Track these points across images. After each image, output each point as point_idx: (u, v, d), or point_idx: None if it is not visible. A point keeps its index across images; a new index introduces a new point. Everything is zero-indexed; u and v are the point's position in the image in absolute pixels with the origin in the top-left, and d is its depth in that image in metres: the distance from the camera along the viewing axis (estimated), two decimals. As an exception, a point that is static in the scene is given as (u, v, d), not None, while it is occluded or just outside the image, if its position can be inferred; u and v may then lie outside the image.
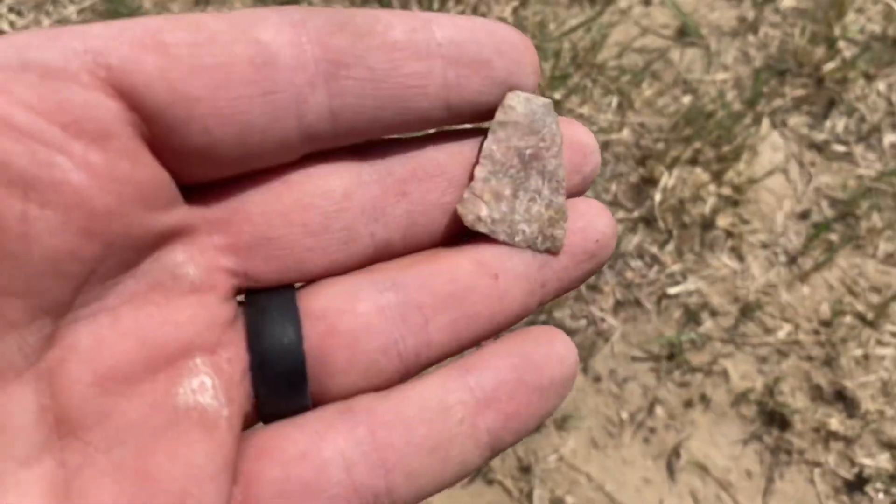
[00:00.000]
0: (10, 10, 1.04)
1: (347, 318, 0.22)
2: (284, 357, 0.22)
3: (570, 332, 0.94)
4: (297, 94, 0.20)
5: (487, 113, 0.23)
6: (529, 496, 0.87)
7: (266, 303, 0.22)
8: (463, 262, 0.23)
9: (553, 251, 0.24)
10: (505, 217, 0.24)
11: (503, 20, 1.11)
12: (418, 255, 0.24)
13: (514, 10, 1.12)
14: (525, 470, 0.88)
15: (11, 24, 1.03)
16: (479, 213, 0.23)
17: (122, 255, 0.20)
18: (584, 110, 1.06)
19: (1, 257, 0.18)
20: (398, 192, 0.23)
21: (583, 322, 0.95)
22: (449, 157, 0.24)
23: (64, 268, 0.19)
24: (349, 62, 0.21)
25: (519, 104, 0.23)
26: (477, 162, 0.24)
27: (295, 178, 0.22)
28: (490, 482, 0.87)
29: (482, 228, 0.23)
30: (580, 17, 1.12)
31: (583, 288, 0.97)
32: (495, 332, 0.24)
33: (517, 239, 0.24)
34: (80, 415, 0.20)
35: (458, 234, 0.24)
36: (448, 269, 0.23)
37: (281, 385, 0.22)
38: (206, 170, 0.21)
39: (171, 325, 0.21)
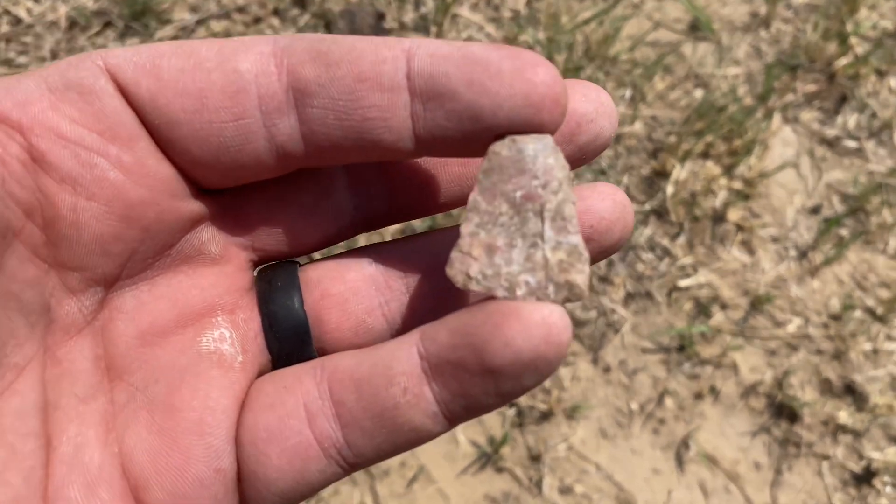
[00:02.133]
0: (28, -4, 1.05)
1: (337, 284, 0.26)
2: (289, 317, 0.26)
3: (581, 323, 0.95)
4: (266, 120, 0.22)
5: (463, 148, 0.22)
6: (539, 484, 0.87)
7: (272, 275, 0.26)
8: (445, 240, 0.25)
9: (573, 299, 0.21)
10: (499, 271, 0.21)
11: (517, 12, 1.11)
12: (407, 237, 0.27)
13: (528, 2, 1.12)
14: (535, 458, 0.89)
15: (28, 11, 1.03)
16: (469, 271, 0.21)
17: (158, 238, 0.24)
18: (597, 103, 1.07)
19: (59, 239, 0.23)
20: (384, 182, 0.26)
21: (593, 313, 0.96)
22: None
23: (110, 248, 0.23)
24: (313, 91, 0.22)
25: (503, 148, 0.21)
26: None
27: (276, 187, 0.26)
28: (500, 470, 0.88)
29: (475, 287, 0.21)
30: (593, 10, 1.12)
31: (594, 279, 0.97)
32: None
33: (520, 293, 0.21)
34: (124, 362, 0.24)
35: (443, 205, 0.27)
36: (428, 245, 0.26)
37: (289, 340, 0.26)
38: (202, 179, 0.24)
39: (198, 290, 0.25)
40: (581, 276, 0.21)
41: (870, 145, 1.09)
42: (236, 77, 0.22)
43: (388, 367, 0.22)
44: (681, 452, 0.91)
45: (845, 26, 1.13)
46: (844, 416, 0.93)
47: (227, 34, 1.04)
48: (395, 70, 0.22)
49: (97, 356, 0.24)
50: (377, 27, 1.06)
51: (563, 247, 0.21)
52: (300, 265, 0.27)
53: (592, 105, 0.24)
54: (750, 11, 1.17)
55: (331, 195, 0.26)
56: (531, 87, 0.21)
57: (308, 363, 0.24)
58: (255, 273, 0.27)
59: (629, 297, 0.97)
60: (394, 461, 0.86)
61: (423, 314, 0.25)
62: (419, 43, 0.22)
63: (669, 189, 1.01)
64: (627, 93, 1.08)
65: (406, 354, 0.22)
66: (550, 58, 1.06)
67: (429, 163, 0.26)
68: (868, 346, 0.96)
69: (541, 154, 0.21)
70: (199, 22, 1.05)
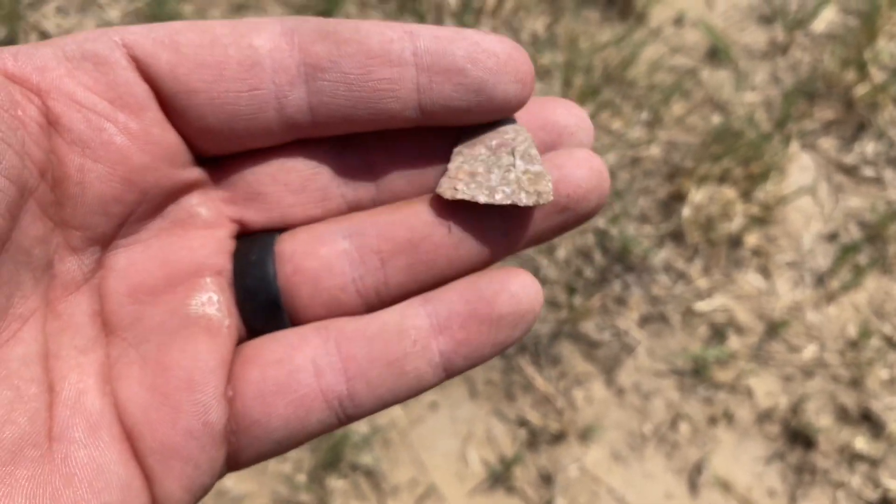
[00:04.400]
0: (58, 10, 1.07)
1: (310, 260, 0.27)
2: (261, 291, 0.27)
3: (595, 345, 0.95)
4: (278, 91, 0.25)
5: (462, 115, 0.26)
6: (550, 506, 0.87)
7: (248, 248, 0.27)
8: (422, 213, 0.27)
9: (541, 203, 0.26)
10: (482, 184, 0.26)
11: (535, 35, 1.13)
12: (384, 207, 0.28)
13: (547, 27, 1.13)
14: (546, 479, 0.88)
15: (58, 26, 1.06)
16: (455, 186, 0.26)
17: (153, 201, 0.26)
18: (615, 125, 1.07)
19: (65, 198, 0.24)
20: (370, 173, 0.28)
21: (608, 335, 0.96)
22: (420, 152, 0.28)
23: (110, 209, 0.25)
24: (325, 66, 0.25)
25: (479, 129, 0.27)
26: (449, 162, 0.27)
27: (275, 154, 0.27)
28: (511, 490, 0.87)
29: (461, 196, 0.26)
30: (611, 34, 1.13)
31: (609, 301, 0.97)
32: (457, 275, 0.27)
33: (497, 197, 0.26)
34: (118, 319, 0.26)
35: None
36: (407, 218, 0.27)
37: (262, 314, 0.27)
38: (207, 146, 0.26)
39: (187, 250, 0.27)
40: (546, 186, 0.26)
41: (888, 173, 1.09)
42: (252, 52, 0.25)
43: (399, 322, 0.26)
44: (694, 477, 0.90)
45: (863, 55, 1.13)
46: (861, 443, 0.91)
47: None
48: (402, 48, 0.25)
49: (94, 312, 0.26)
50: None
51: (531, 170, 0.26)
52: (279, 233, 0.28)
53: (574, 120, 0.27)
54: (768, 39, 1.17)
55: (318, 178, 0.27)
56: (517, 65, 0.25)
57: (306, 326, 0.26)
58: (235, 244, 0.28)
59: (644, 320, 0.97)
60: (404, 478, 0.86)
61: (398, 288, 0.27)
62: (419, 26, 0.25)
63: (686, 212, 1.01)
64: (644, 115, 1.08)
65: (415, 312, 0.26)
66: (568, 80, 1.07)
67: (415, 158, 0.28)
68: (885, 374, 0.95)
69: (509, 122, 0.27)
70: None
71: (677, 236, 1.02)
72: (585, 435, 0.90)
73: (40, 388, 0.24)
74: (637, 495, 0.88)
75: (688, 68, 1.13)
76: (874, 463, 0.92)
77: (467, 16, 1.09)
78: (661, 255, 1.01)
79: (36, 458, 0.23)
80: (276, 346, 0.26)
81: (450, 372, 0.26)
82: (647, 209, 1.03)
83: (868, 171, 1.09)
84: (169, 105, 0.25)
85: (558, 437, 0.90)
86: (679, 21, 1.17)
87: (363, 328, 0.26)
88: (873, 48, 1.14)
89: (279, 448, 0.26)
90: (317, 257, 0.27)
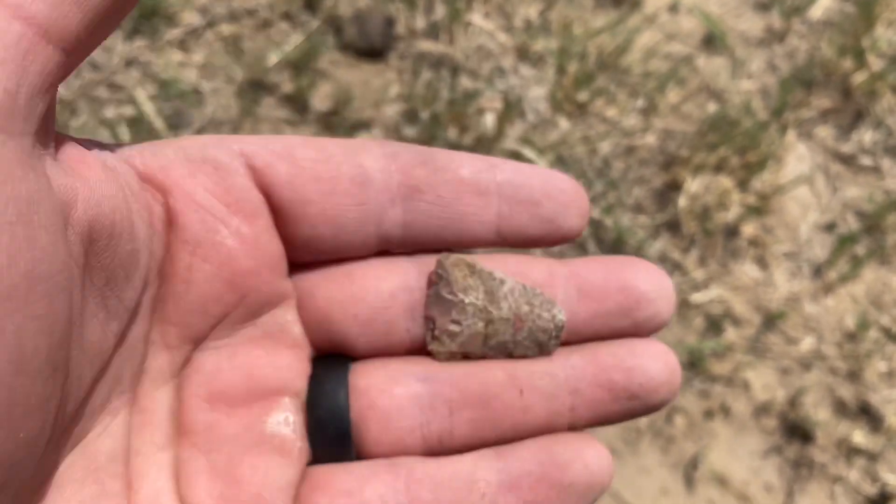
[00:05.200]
0: None
1: (385, 398, 0.27)
2: (334, 421, 0.27)
3: (589, 337, 0.93)
4: (380, 207, 0.27)
5: (535, 241, 0.28)
6: (544, 501, 0.85)
7: (324, 376, 0.27)
8: (496, 371, 0.27)
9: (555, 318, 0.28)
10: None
11: (529, 21, 1.10)
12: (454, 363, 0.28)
13: (540, 12, 1.11)
14: (540, 475, 0.87)
15: (36, 10, 1.03)
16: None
17: (250, 307, 0.26)
18: (609, 113, 1.05)
19: (169, 295, 0.25)
20: None
21: (602, 327, 0.94)
22: None
23: (209, 308, 0.25)
24: (423, 189, 0.27)
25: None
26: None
27: (357, 273, 0.28)
28: (504, 486, 0.86)
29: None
30: (606, 20, 1.11)
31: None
32: (521, 437, 0.27)
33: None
34: (192, 422, 0.26)
35: None
36: (480, 373, 0.27)
37: (331, 443, 0.27)
38: (300, 255, 0.27)
39: (272, 368, 0.27)
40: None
41: (886, 162, 1.08)
42: (362, 171, 0.27)
43: (470, 473, 0.26)
44: (690, 471, 0.88)
45: (861, 43, 1.12)
46: (859, 437, 0.90)
47: (236, 38, 1.03)
48: (489, 179, 0.27)
49: (173, 410, 0.26)
50: (387, 34, 1.05)
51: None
52: (351, 362, 0.28)
53: (654, 287, 0.28)
54: (765, 26, 1.16)
55: (387, 313, 0.28)
56: (581, 202, 0.28)
57: (377, 461, 0.27)
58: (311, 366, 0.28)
59: (639, 311, 0.96)
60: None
61: (461, 439, 0.27)
62: (502, 161, 0.28)
63: (681, 202, 0.99)
64: (639, 103, 1.06)
65: (487, 465, 0.26)
66: (562, 67, 1.05)
67: None
68: (884, 367, 0.94)
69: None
70: (208, 25, 1.04)
71: (673, 226, 1.00)
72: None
73: (122, 485, 0.24)
74: (632, 490, 0.87)
75: (683, 55, 1.11)
76: (872, 457, 0.90)
77: (459, 1, 1.06)
78: (657, 246, 0.99)
79: None
80: (347, 477, 0.26)
81: None
82: (642, 199, 1.02)
83: (866, 160, 1.07)
84: (282, 213, 0.26)
85: (552, 432, 0.89)
86: (674, 7, 1.15)
87: (433, 473, 0.26)
88: (871, 36, 1.12)
89: None
90: (391, 396, 0.27)
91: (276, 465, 0.26)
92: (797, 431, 0.91)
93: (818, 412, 0.92)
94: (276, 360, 0.27)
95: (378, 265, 0.28)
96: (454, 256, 0.28)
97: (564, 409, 0.27)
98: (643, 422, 0.90)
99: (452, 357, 0.28)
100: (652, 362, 0.27)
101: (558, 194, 0.28)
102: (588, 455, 0.26)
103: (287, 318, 0.27)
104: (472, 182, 0.27)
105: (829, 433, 0.91)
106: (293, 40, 1.04)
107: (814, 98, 1.11)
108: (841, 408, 0.93)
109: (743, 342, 0.95)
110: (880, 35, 1.14)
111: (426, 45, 1.06)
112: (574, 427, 0.27)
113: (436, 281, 0.28)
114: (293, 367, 0.27)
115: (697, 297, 0.96)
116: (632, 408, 0.27)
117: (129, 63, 1.01)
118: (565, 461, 0.26)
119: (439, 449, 0.27)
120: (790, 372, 0.94)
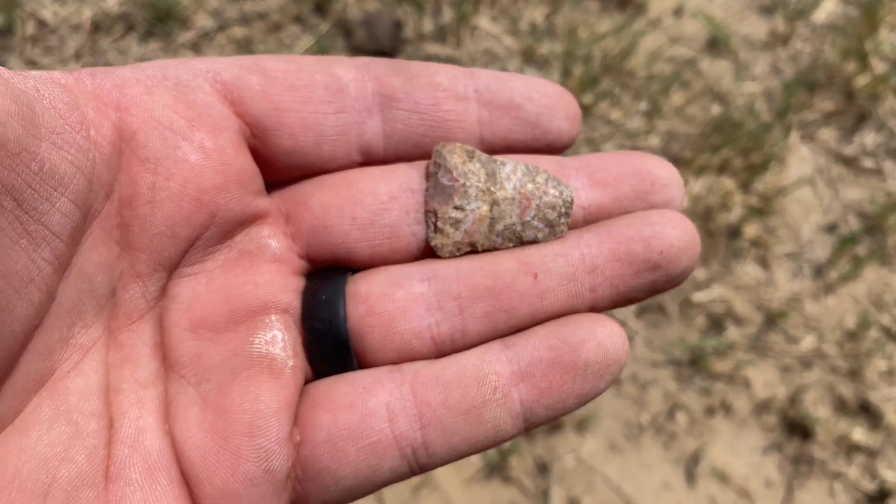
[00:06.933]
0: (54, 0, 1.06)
1: (385, 302, 0.25)
2: (331, 332, 0.25)
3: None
4: (358, 117, 0.26)
5: (519, 148, 0.27)
6: (546, 495, 0.87)
7: (318, 286, 0.26)
8: (505, 260, 0.26)
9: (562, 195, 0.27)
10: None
11: (534, 25, 1.12)
12: (463, 255, 0.27)
13: (546, 16, 1.13)
14: (543, 469, 0.88)
15: (54, 14, 1.05)
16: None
17: (222, 227, 0.25)
18: (614, 115, 1.07)
19: (133, 219, 0.23)
20: None
21: (605, 325, 0.95)
22: None
23: (178, 230, 0.24)
24: (399, 96, 0.26)
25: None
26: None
27: (353, 178, 0.27)
28: (507, 479, 0.87)
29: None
30: (610, 24, 1.12)
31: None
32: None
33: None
34: (178, 354, 0.24)
35: None
36: (489, 264, 0.26)
37: (329, 355, 0.25)
38: (285, 171, 0.26)
39: (253, 286, 0.25)
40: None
41: (888, 165, 1.09)
42: (336, 79, 0.26)
43: (478, 368, 0.24)
44: (691, 467, 0.90)
45: (864, 46, 1.13)
46: (858, 434, 0.91)
47: (247, 41, 1.05)
48: (466, 85, 0.27)
49: (156, 343, 0.25)
50: (396, 36, 1.07)
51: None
52: (351, 273, 0.26)
53: (667, 173, 0.27)
54: (769, 29, 1.17)
55: (387, 214, 0.26)
56: (567, 104, 0.27)
57: (380, 369, 0.25)
58: (305, 279, 0.27)
59: (641, 310, 0.97)
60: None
61: (475, 336, 0.25)
62: (479, 70, 0.27)
63: (685, 203, 1.01)
64: (644, 105, 1.08)
65: (495, 357, 0.25)
66: (567, 70, 1.07)
67: None
68: (883, 365, 0.95)
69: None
70: (220, 28, 1.06)
71: (676, 227, 1.01)
72: (582, 425, 0.90)
73: (100, 424, 0.23)
74: (634, 485, 0.88)
75: (687, 58, 1.13)
76: (872, 454, 0.91)
77: (466, 4, 1.08)
78: (660, 246, 1.00)
79: (91, 499, 0.22)
80: (348, 389, 0.25)
81: (529, 423, 0.25)
82: (645, 199, 1.03)
83: (868, 163, 1.08)
84: (259, 125, 0.25)
85: (555, 427, 0.90)
86: (678, 11, 1.16)
87: (439, 373, 0.25)
88: (874, 39, 1.14)
89: (347, 497, 0.24)
90: (392, 300, 0.25)
91: (268, 388, 0.24)
92: (797, 428, 0.92)
93: (818, 410, 0.93)
94: (255, 277, 0.25)
95: (376, 170, 0.27)
96: (450, 144, 0.27)
97: (584, 289, 0.25)
98: (645, 418, 0.91)
99: (458, 249, 0.26)
100: (670, 229, 0.25)
101: (540, 97, 0.27)
102: (600, 333, 0.24)
103: (263, 233, 0.26)
104: (448, 88, 0.27)
105: (829, 430, 0.92)
106: (303, 43, 1.06)
107: (817, 101, 1.12)
108: (841, 405, 0.94)
109: (744, 341, 0.96)
110: (883, 38, 1.15)
111: (434, 48, 1.08)
112: (595, 309, 0.26)
113: (434, 171, 0.26)
114: (275, 281, 0.26)
115: (699, 297, 0.97)
116: (654, 280, 0.25)
117: (144, 65, 1.03)
118: (577, 342, 0.24)
119: (451, 351, 0.25)
120: (791, 370, 0.95)
